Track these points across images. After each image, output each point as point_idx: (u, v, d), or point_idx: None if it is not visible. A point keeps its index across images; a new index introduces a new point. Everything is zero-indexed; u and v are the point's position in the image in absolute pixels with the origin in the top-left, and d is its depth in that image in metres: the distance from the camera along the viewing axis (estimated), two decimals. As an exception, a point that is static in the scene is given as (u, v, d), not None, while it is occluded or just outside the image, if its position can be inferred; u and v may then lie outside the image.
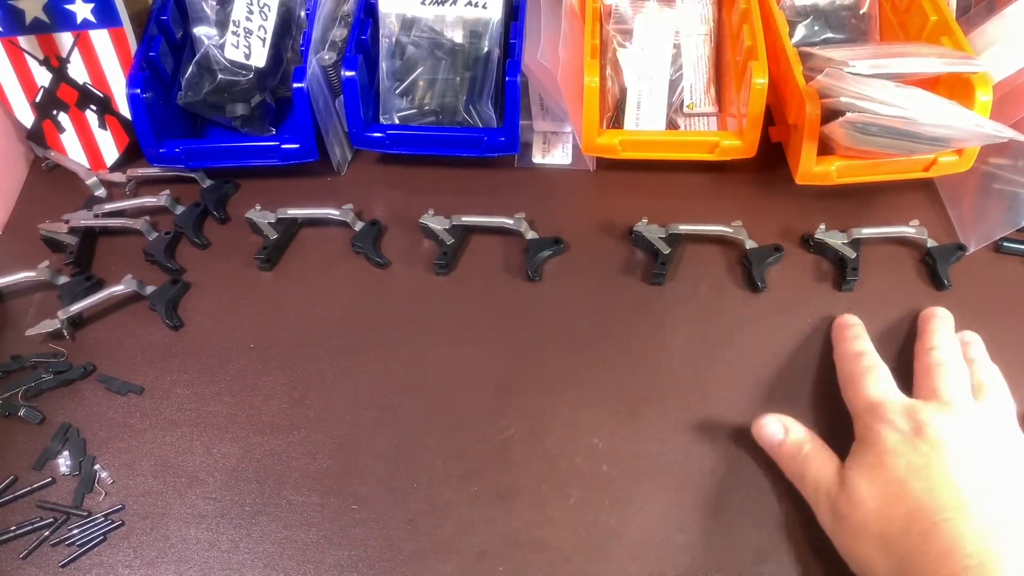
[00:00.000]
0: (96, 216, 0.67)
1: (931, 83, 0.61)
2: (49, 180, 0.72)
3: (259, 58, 0.67)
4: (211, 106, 0.69)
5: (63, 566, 0.50)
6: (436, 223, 0.64)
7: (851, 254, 0.60)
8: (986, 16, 0.63)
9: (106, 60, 0.68)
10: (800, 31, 0.68)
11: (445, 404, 0.56)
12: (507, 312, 0.61)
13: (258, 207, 0.66)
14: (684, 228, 0.63)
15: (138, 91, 0.64)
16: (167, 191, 0.68)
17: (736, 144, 0.63)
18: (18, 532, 0.51)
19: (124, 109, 0.69)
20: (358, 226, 0.65)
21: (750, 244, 0.62)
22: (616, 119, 0.68)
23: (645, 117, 0.67)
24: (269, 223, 0.65)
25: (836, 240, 0.61)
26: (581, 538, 0.50)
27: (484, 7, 0.66)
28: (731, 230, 0.63)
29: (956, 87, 0.59)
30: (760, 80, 0.60)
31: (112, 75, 0.69)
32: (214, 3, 0.68)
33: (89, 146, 0.71)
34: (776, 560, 0.49)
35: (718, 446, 0.53)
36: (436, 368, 0.58)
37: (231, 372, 0.58)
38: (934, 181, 0.66)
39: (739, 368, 0.57)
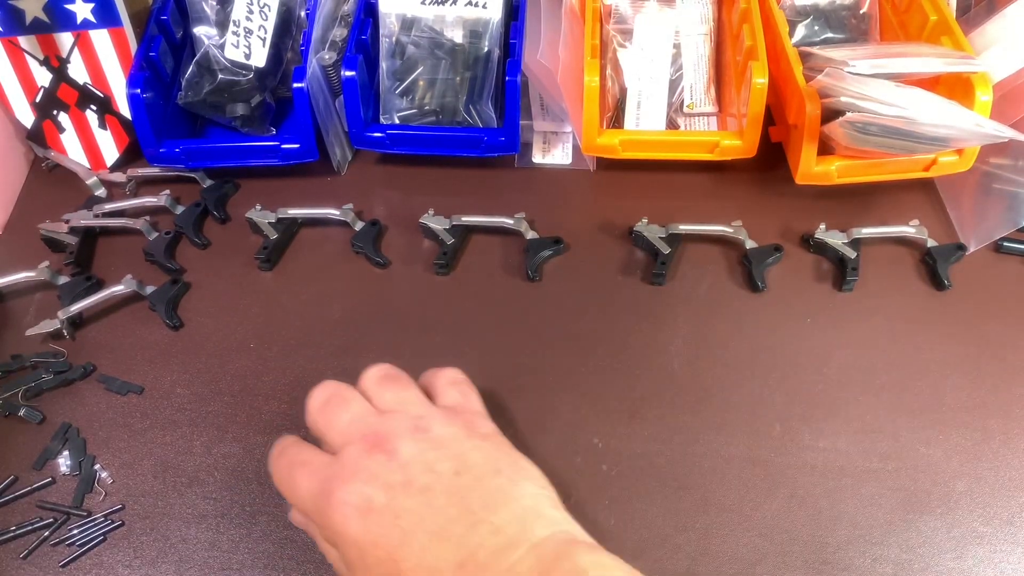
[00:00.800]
0: (96, 216, 0.67)
1: (931, 83, 0.61)
2: (49, 180, 0.72)
3: (259, 58, 0.67)
4: (211, 106, 0.69)
5: (63, 566, 0.50)
6: (436, 223, 0.64)
7: (851, 254, 0.60)
8: (986, 16, 0.63)
9: (106, 60, 0.68)
10: (800, 31, 0.68)
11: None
12: (507, 312, 0.61)
13: (258, 207, 0.66)
14: (684, 228, 0.63)
15: (138, 91, 0.64)
16: (167, 191, 0.68)
17: (736, 144, 0.63)
18: (18, 532, 0.51)
19: (124, 109, 0.69)
20: (358, 226, 0.65)
21: (750, 244, 0.62)
22: (616, 119, 0.68)
23: (645, 117, 0.67)
24: (269, 223, 0.65)
25: (836, 240, 0.61)
26: (581, 538, 0.50)
27: (484, 7, 0.66)
28: (731, 230, 0.63)
29: (956, 87, 0.59)
30: (760, 80, 0.60)
31: (112, 75, 0.69)
32: (214, 3, 0.68)
33: (89, 146, 0.71)
34: (774, 560, 0.49)
35: (718, 446, 0.53)
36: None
37: (231, 372, 0.58)
38: (934, 181, 0.66)
39: (739, 368, 0.57)
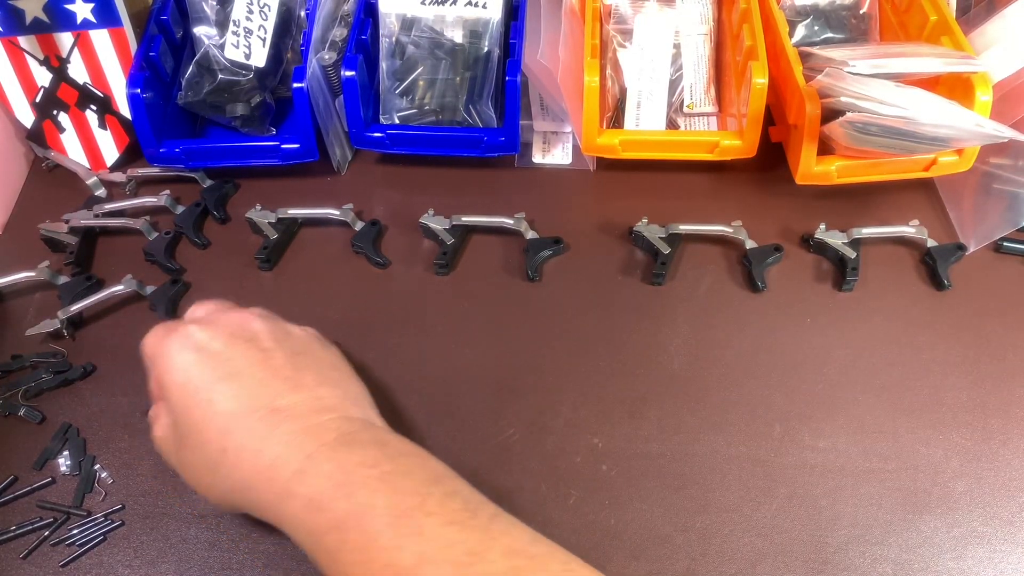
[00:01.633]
0: (96, 216, 0.67)
1: (931, 83, 0.61)
2: (49, 180, 0.72)
3: (259, 58, 0.67)
4: (211, 106, 0.69)
5: (63, 566, 0.50)
6: (436, 223, 0.64)
7: (851, 254, 0.60)
8: (986, 16, 0.63)
9: (106, 60, 0.68)
10: (800, 31, 0.68)
11: (445, 404, 0.56)
12: (507, 312, 0.61)
13: (258, 207, 0.66)
14: (684, 228, 0.63)
15: (138, 91, 0.64)
16: (167, 191, 0.68)
17: (736, 144, 0.63)
18: (18, 532, 0.51)
19: (124, 109, 0.69)
20: (358, 226, 0.65)
21: (750, 244, 0.62)
22: (616, 119, 0.68)
23: (645, 117, 0.67)
24: (269, 223, 0.65)
25: (836, 240, 0.61)
26: (581, 538, 0.50)
27: (484, 7, 0.66)
28: (731, 230, 0.63)
29: (956, 87, 0.59)
30: (760, 80, 0.60)
31: (112, 75, 0.69)
32: (214, 3, 0.68)
33: (89, 146, 0.71)
34: (774, 560, 0.49)
35: (717, 446, 0.53)
36: (436, 368, 0.58)
37: (231, 372, 0.58)
38: (934, 181, 0.66)
39: (739, 368, 0.57)
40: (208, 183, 0.69)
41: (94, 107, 0.70)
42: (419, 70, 0.67)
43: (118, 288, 0.61)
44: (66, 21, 0.66)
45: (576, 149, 0.69)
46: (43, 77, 0.68)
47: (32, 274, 0.62)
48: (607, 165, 0.69)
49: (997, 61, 0.59)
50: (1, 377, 0.58)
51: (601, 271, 0.63)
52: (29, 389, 0.57)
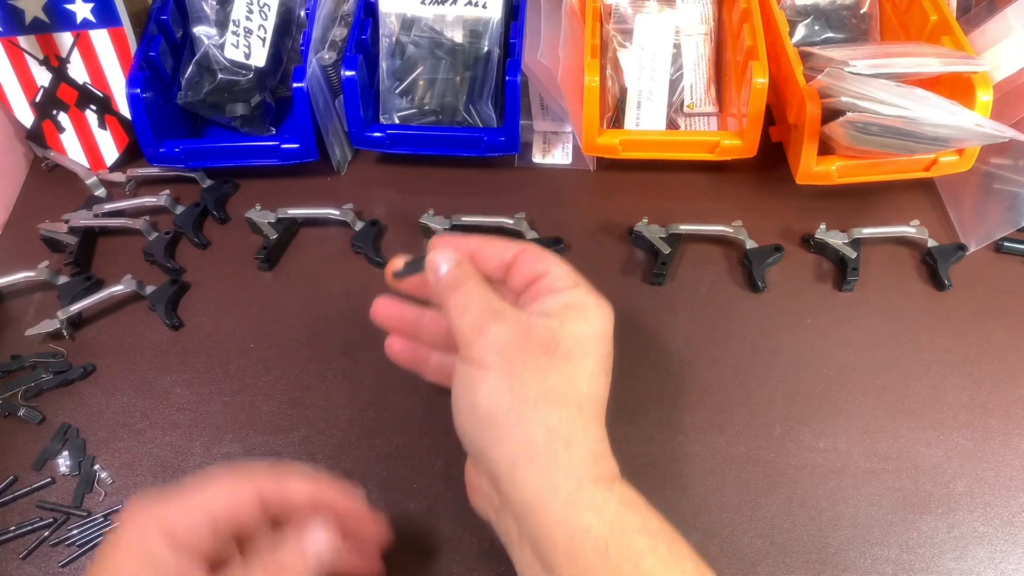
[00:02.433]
0: (96, 216, 0.67)
1: (931, 83, 0.61)
2: (49, 180, 0.72)
3: (259, 58, 0.67)
4: (211, 106, 0.69)
5: (63, 566, 0.50)
6: (436, 223, 0.64)
7: (851, 254, 0.60)
8: (986, 16, 0.63)
9: (106, 60, 0.68)
10: (800, 31, 0.68)
11: (445, 404, 0.56)
12: (507, 312, 0.60)
13: (258, 207, 0.66)
14: (684, 228, 0.63)
15: (138, 91, 0.64)
16: (167, 191, 0.68)
17: (736, 144, 0.63)
18: (18, 532, 0.51)
19: (124, 109, 0.69)
20: (358, 226, 0.65)
21: (750, 244, 0.62)
22: (616, 119, 0.68)
23: (645, 117, 0.67)
24: (269, 223, 0.65)
25: (836, 240, 0.61)
26: (581, 538, 0.50)
27: (484, 7, 0.66)
28: (731, 230, 0.63)
29: (956, 87, 0.59)
30: (760, 80, 0.60)
31: (112, 75, 0.68)
32: (214, 3, 0.68)
33: (89, 146, 0.71)
34: (774, 560, 0.49)
35: (717, 446, 0.53)
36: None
37: (231, 372, 0.58)
38: (934, 181, 0.66)
39: (739, 368, 0.57)
40: (208, 183, 0.69)
41: (94, 107, 0.70)
42: (419, 70, 0.67)
43: (118, 288, 0.61)
44: (66, 21, 0.66)
45: (576, 149, 0.69)
46: (43, 77, 0.68)
47: (32, 274, 0.62)
48: (607, 165, 0.69)
49: (997, 61, 0.59)
50: (1, 377, 0.58)
51: (601, 271, 0.63)
52: (29, 389, 0.57)
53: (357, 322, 0.60)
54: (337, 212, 0.65)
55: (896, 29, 0.67)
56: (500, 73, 0.66)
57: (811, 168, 0.60)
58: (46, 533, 0.51)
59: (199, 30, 0.69)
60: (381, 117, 0.68)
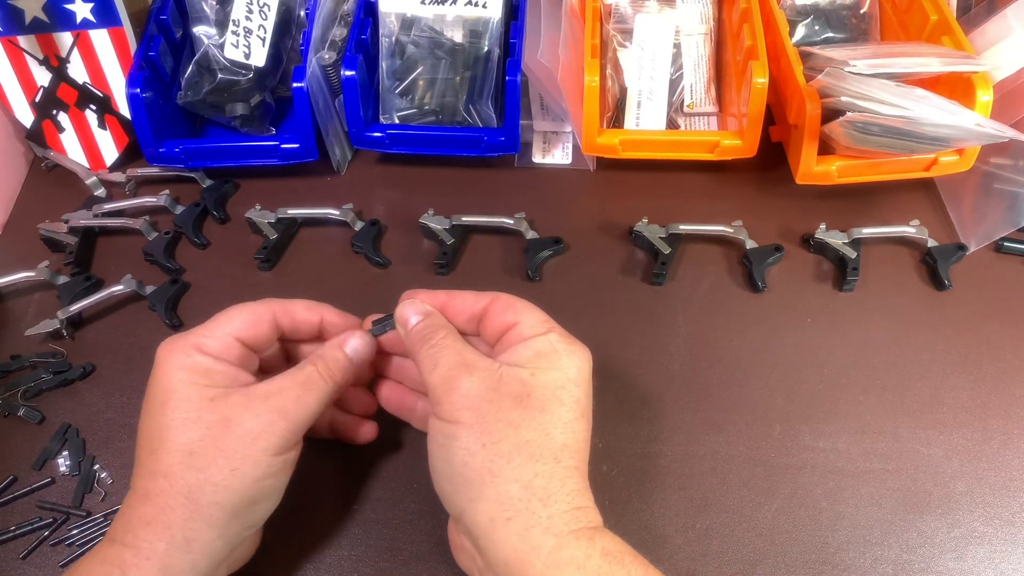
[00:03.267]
0: (96, 216, 0.67)
1: (931, 83, 0.61)
2: (49, 180, 0.72)
3: (259, 58, 0.67)
4: (211, 106, 0.69)
5: (63, 566, 0.50)
6: (436, 223, 0.64)
7: (851, 254, 0.60)
8: (986, 16, 0.63)
9: (106, 60, 0.68)
10: (800, 30, 0.68)
11: (445, 404, 0.56)
12: (507, 312, 0.60)
13: (258, 207, 0.66)
14: (684, 228, 0.63)
15: (138, 91, 0.64)
16: (167, 191, 0.68)
17: (736, 144, 0.63)
18: (18, 532, 0.51)
19: (124, 109, 0.69)
20: (358, 226, 0.65)
21: (750, 244, 0.62)
22: (616, 119, 0.68)
23: (645, 117, 0.67)
24: (269, 223, 0.65)
25: (836, 240, 0.61)
26: (581, 538, 0.50)
27: (484, 6, 0.66)
28: (731, 230, 0.63)
29: (956, 87, 0.59)
30: (760, 80, 0.60)
31: (112, 75, 0.68)
32: (214, 3, 0.68)
33: (89, 146, 0.71)
34: (774, 560, 0.49)
35: (717, 446, 0.53)
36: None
37: (231, 372, 0.58)
38: (934, 181, 0.66)
39: (739, 368, 0.57)
40: (208, 183, 0.69)
41: (94, 107, 0.70)
42: (419, 70, 0.67)
43: (117, 288, 0.61)
44: (66, 21, 0.66)
45: (576, 149, 0.69)
46: (43, 77, 0.68)
47: (32, 274, 0.62)
48: (607, 165, 0.69)
49: (997, 61, 0.59)
50: (1, 377, 0.58)
51: (601, 271, 0.63)
52: (28, 389, 0.57)
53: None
54: (337, 212, 0.65)
55: (896, 29, 0.67)
56: (500, 73, 0.66)
57: (811, 168, 0.60)
58: (46, 533, 0.51)
59: (199, 30, 0.69)
60: (381, 117, 0.68)
